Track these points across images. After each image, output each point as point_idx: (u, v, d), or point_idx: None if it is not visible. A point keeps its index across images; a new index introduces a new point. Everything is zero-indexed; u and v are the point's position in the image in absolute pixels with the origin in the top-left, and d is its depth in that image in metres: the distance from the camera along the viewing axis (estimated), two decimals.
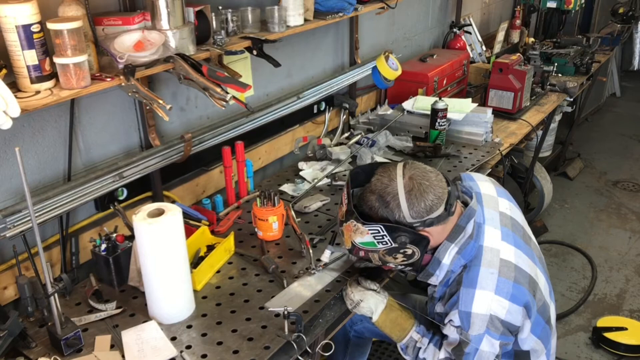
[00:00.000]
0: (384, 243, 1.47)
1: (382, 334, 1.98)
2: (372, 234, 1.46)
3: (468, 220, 1.52)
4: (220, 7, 1.97)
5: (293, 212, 1.99)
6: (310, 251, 1.81)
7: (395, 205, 1.45)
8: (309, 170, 2.47)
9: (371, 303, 1.63)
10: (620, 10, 4.75)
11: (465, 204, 1.59)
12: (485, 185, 1.69)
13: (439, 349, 1.59)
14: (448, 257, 1.52)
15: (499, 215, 1.60)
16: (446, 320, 1.53)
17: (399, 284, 2.30)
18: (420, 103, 2.81)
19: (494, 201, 1.64)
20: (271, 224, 1.95)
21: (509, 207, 1.67)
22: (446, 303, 1.55)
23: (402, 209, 1.45)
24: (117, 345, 1.51)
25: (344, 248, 1.85)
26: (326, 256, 1.79)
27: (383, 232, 1.45)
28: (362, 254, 1.54)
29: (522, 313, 1.48)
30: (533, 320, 1.52)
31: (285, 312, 1.49)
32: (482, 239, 1.52)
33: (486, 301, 1.45)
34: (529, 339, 1.55)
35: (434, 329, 1.65)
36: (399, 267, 1.57)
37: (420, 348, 1.62)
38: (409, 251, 1.49)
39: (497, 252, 1.51)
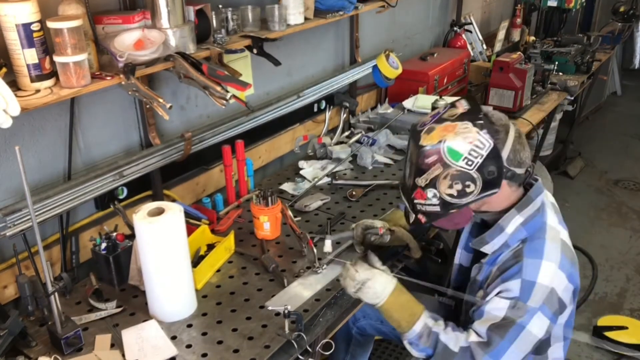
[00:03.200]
0: (470, 163, 1.40)
1: (385, 330, 1.96)
2: (474, 144, 1.39)
3: (537, 195, 1.52)
4: (220, 6, 1.96)
5: (290, 212, 1.98)
6: (314, 250, 1.80)
7: (502, 139, 1.42)
8: (309, 169, 2.47)
9: (379, 283, 1.52)
10: (621, 9, 4.74)
11: (527, 187, 1.57)
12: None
13: (461, 333, 1.49)
14: (512, 226, 1.50)
15: (552, 205, 1.61)
16: (497, 291, 1.46)
17: (406, 283, 2.28)
18: (421, 102, 2.81)
19: (545, 193, 1.64)
20: (262, 223, 1.94)
21: (554, 201, 1.67)
22: (492, 282, 1.50)
23: (505, 146, 1.43)
24: (117, 344, 1.51)
25: (344, 232, 1.84)
26: (328, 247, 1.78)
27: (485, 151, 1.39)
28: (430, 160, 1.42)
29: (572, 295, 1.48)
30: (572, 307, 1.53)
31: (286, 311, 1.48)
32: (546, 217, 1.52)
33: (550, 273, 1.43)
34: (560, 327, 1.54)
35: (444, 317, 1.59)
36: (431, 207, 1.47)
37: (438, 333, 1.49)
38: (470, 188, 1.42)
39: (558, 232, 1.51)
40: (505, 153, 1.43)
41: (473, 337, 1.45)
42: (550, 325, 1.44)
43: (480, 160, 1.39)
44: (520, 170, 1.46)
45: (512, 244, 1.51)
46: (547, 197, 1.59)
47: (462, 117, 1.43)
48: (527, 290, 1.42)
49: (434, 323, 1.52)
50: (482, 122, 1.42)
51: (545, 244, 1.46)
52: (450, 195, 1.44)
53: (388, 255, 1.80)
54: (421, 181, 1.45)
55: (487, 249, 1.55)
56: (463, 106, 1.47)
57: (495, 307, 1.44)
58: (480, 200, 1.44)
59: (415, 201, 1.49)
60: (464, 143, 1.39)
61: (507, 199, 1.51)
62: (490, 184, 1.42)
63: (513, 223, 1.50)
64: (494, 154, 1.40)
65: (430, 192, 1.45)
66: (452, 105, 1.50)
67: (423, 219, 1.51)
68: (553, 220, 1.53)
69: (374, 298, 1.53)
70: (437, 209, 1.47)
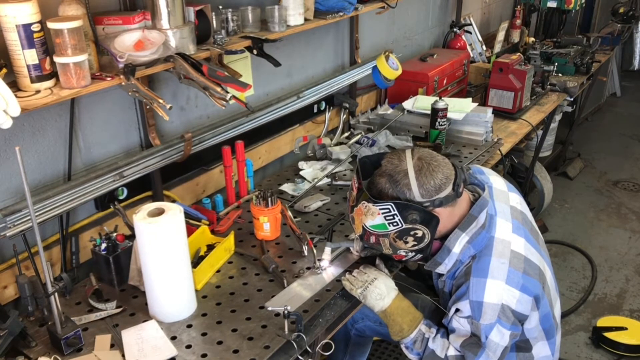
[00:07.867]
0: (395, 224, 1.47)
1: (383, 332, 1.96)
2: (383, 214, 1.47)
3: (480, 211, 1.53)
4: (220, 7, 1.96)
5: (290, 213, 1.98)
6: (314, 250, 1.81)
7: (405, 184, 1.47)
8: (309, 170, 2.47)
9: (384, 284, 1.61)
10: (621, 10, 4.74)
11: (476, 197, 1.60)
12: (496, 179, 1.70)
13: (447, 340, 1.58)
14: (458, 246, 1.52)
15: (509, 209, 1.61)
16: (452, 312, 1.53)
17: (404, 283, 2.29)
18: (421, 102, 2.81)
19: (504, 195, 1.65)
20: (262, 223, 1.94)
21: (519, 201, 1.68)
22: (452, 296, 1.56)
23: (412, 188, 1.46)
24: (117, 344, 1.51)
25: (344, 241, 1.85)
26: (327, 253, 1.80)
27: (394, 210, 1.46)
28: (373, 239, 1.54)
29: (532, 304, 1.49)
30: (541, 312, 1.53)
31: (285, 312, 1.49)
32: (493, 230, 1.53)
33: (497, 291, 1.46)
34: (535, 330, 1.56)
35: (438, 323, 1.65)
36: (410, 254, 1.55)
37: (428, 338, 1.60)
38: (419, 233, 1.49)
39: (508, 243, 1.52)
40: (414, 192, 1.47)
41: (451, 352, 1.55)
42: (512, 333, 1.48)
43: (399, 218, 1.47)
44: (444, 192, 1.48)
45: (464, 261, 1.55)
46: (504, 202, 1.60)
47: (358, 199, 1.52)
48: (476, 310, 1.47)
49: (427, 330, 1.61)
50: (374, 192, 1.51)
51: (490, 262, 1.49)
52: (414, 245, 1.52)
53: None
54: (387, 250, 1.56)
55: (441, 269, 1.60)
56: (354, 187, 1.56)
57: (459, 325, 1.53)
58: (436, 232, 1.51)
59: (403, 260, 1.61)
60: (375, 218, 1.49)
61: (450, 221, 1.54)
62: (427, 220, 1.48)
63: (459, 243, 1.53)
64: (403, 205, 1.46)
65: (402, 252, 1.55)
66: (351, 188, 1.59)
67: (420, 262, 1.63)
68: (504, 231, 1.54)
69: (378, 299, 1.60)
70: (420, 255, 1.56)
